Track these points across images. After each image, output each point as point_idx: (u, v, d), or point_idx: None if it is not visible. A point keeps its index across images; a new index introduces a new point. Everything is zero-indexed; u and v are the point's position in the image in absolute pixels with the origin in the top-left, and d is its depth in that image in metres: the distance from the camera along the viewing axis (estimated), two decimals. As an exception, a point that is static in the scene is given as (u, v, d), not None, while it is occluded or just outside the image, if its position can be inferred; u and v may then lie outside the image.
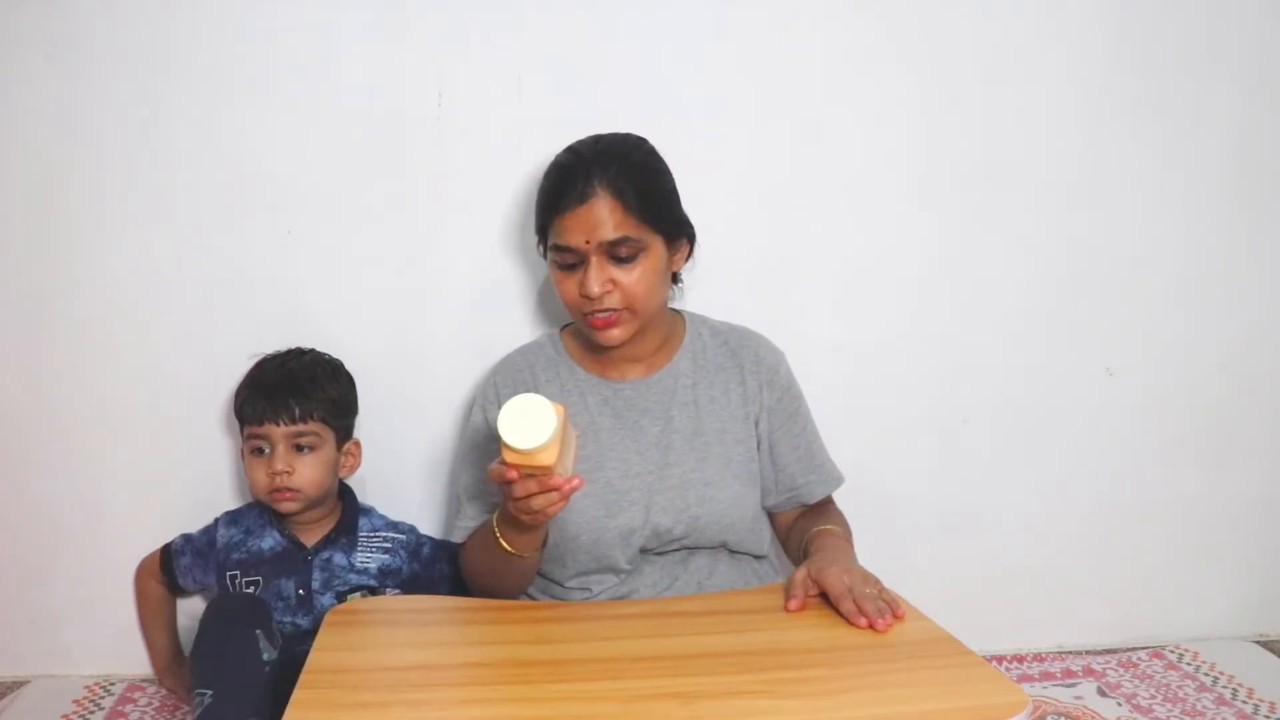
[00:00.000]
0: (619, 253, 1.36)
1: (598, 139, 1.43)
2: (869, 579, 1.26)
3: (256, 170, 1.68)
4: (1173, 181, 1.87)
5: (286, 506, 1.56)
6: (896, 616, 1.22)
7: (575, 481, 1.16)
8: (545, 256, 1.47)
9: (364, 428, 1.66)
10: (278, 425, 1.53)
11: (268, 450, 1.55)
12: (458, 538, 1.49)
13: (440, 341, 1.75)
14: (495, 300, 1.74)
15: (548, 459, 1.12)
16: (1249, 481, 1.99)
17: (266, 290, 1.71)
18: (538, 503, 1.17)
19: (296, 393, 1.55)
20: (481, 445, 1.49)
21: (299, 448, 1.55)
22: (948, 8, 1.76)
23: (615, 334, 1.40)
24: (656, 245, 1.40)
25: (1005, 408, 1.90)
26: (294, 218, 1.69)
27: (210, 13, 1.63)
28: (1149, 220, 1.87)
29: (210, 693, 1.32)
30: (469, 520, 1.47)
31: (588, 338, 1.45)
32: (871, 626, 1.19)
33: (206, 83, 1.64)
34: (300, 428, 1.54)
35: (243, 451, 1.60)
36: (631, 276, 1.37)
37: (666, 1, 1.70)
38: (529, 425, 1.10)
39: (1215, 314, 1.93)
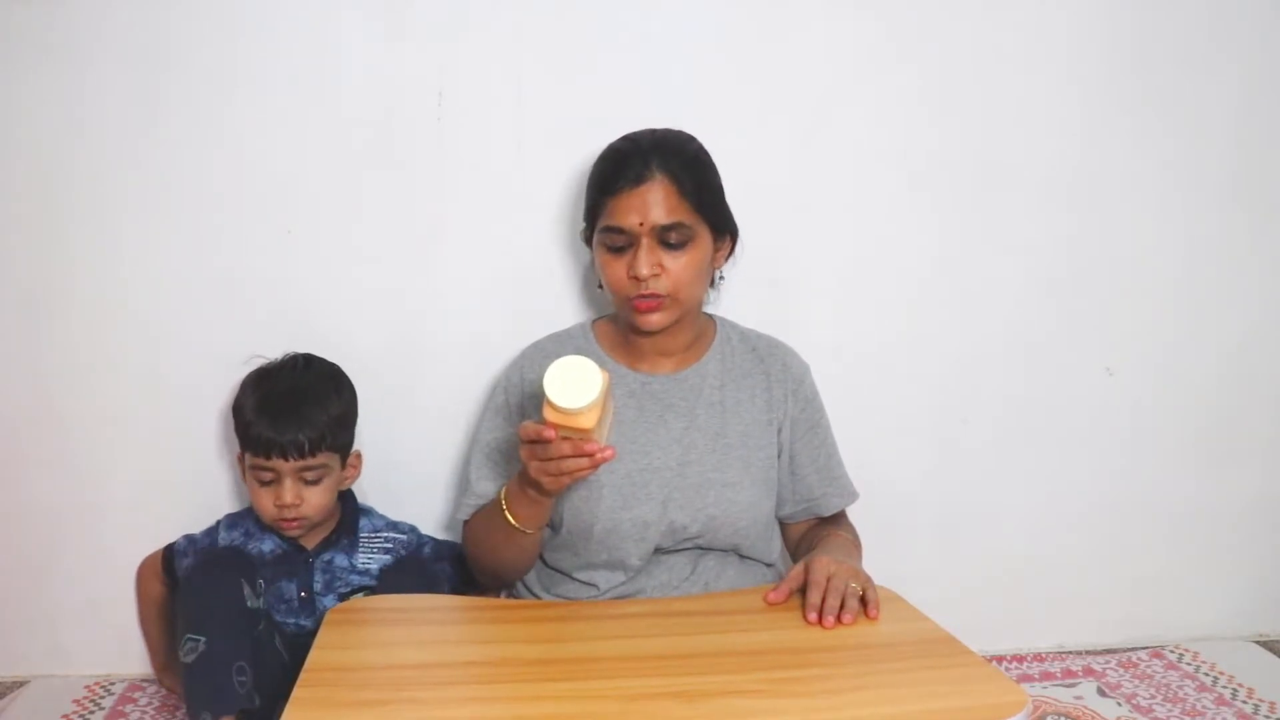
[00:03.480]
0: (670, 238, 1.38)
1: (654, 131, 1.45)
2: (857, 576, 1.26)
3: (256, 170, 1.67)
4: (1173, 181, 1.87)
5: (294, 532, 1.56)
6: (869, 616, 1.22)
7: (608, 451, 1.17)
8: (589, 242, 1.48)
9: (364, 428, 1.66)
10: (286, 461, 1.51)
11: (274, 481, 1.53)
12: (462, 514, 1.49)
13: (440, 341, 1.75)
14: (495, 300, 1.74)
15: (588, 422, 1.12)
16: (1249, 481, 1.99)
17: (266, 290, 1.70)
18: (569, 464, 1.18)
19: (304, 424, 1.51)
20: (499, 428, 1.49)
21: (307, 480, 1.54)
22: (948, 8, 1.76)
23: (656, 319, 1.41)
24: (704, 236, 1.42)
25: (1005, 408, 1.90)
26: (294, 218, 1.69)
27: (210, 13, 1.63)
28: (1149, 220, 1.88)
29: (203, 638, 1.34)
30: (475, 499, 1.48)
31: (627, 322, 1.46)
32: (819, 621, 1.20)
33: (206, 83, 1.64)
34: (309, 461, 1.52)
35: (242, 463, 1.58)
36: (679, 263, 1.39)
37: (667, 2, 1.70)
38: (575, 385, 1.11)
39: (1215, 314, 1.93)
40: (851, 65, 1.76)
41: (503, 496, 1.33)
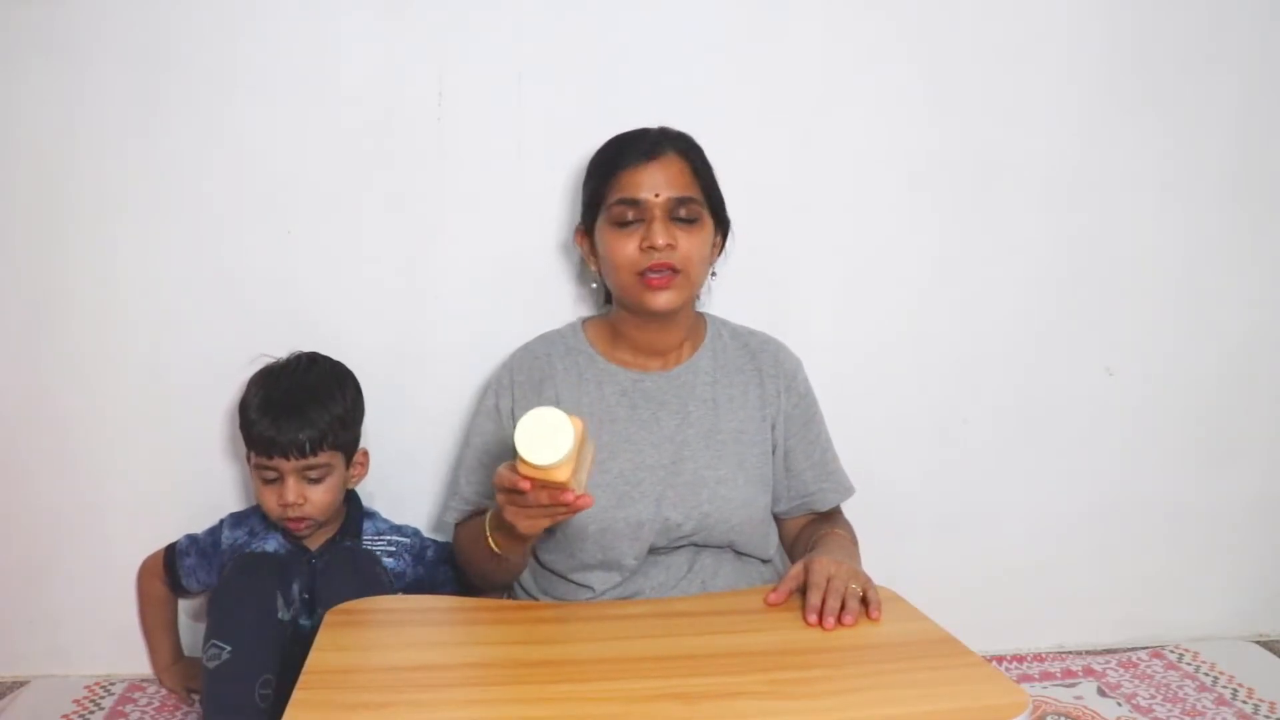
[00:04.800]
0: (682, 213, 1.40)
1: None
2: (857, 577, 1.26)
3: (256, 170, 1.67)
4: (1173, 181, 1.87)
5: (301, 531, 1.56)
6: (870, 617, 1.22)
7: (586, 499, 1.15)
8: (588, 232, 1.48)
9: (366, 428, 1.66)
10: (288, 460, 1.52)
11: (277, 479, 1.54)
12: (449, 516, 1.50)
13: (441, 341, 1.75)
14: (496, 299, 1.74)
15: (562, 475, 1.12)
16: (1249, 481, 1.99)
17: (267, 290, 1.70)
18: (545, 511, 1.17)
19: (305, 423, 1.51)
20: (489, 432, 1.49)
21: (310, 479, 1.54)
22: (948, 7, 1.76)
23: (665, 297, 1.40)
24: (708, 221, 1.45)
25: (1005, 408, 1.90)
26: (294, 218, 1.69)
27: (210, 13, 1.63)
28: (1149, 220, 1.88)
29: (229, 647, 1.33)
30: (463, 503, 1.48)
31: (633, 306, 1.44)
32: (820, 623, 1.20)
33: (206, 83, 1.64)
34: (311, 460, 1.52)
35: (249, 460, 1.59)
36: (691, 240, 1.41)
37: (667, 2, 1.70)
38: (546, 440, 1.09)
39: (1215, 314, 1.93)
40: (851, 65, 1.76)
41: (486, 522, 1.32)
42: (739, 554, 1.49)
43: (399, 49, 1.66)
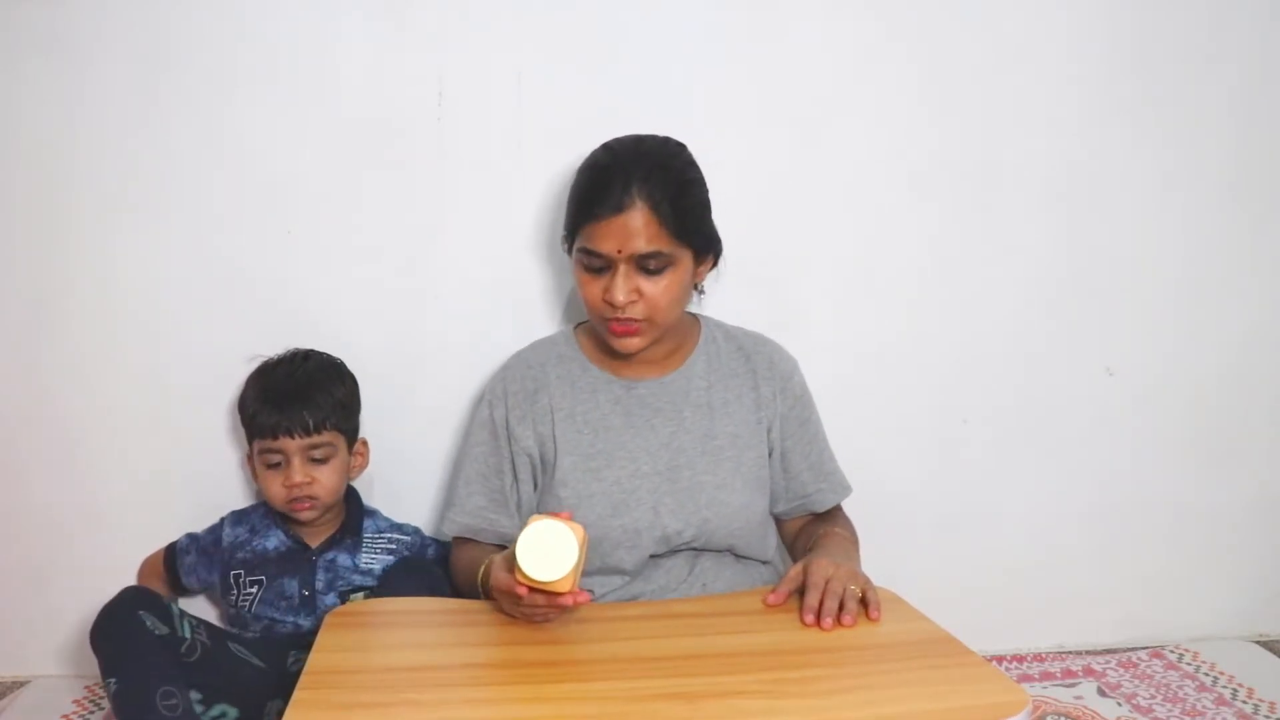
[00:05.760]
0: (648, 265, 1.36)
1: (639, 141, 1.41)
2: (856, 578, 1.26)
3: (256, 170, 1.68)
4: (1173, 181, 1.87)
5: (307, 515, 1.56)
6: (870, 618, 1.22)
7: (583, 597, 1.16)
8: (569, 252, 1.46)
9: (366, 428, 1.66)
10: (293, 438, 1.53)
11: (282, 463, 1.54)
12: (449, 529, 1.49)
13: (441, 341, 1.75)
14: (496, 299, 1.74)
15: (564, 587, 1.13)
16: (1249, 481, 1.99)
17: (267, 290, 1.71)
18: (542, 612, 1.19)
19: (308, 403, 1.54)
20: (486, 442, 1.49)
21: (315, 459, 1.55)
22: (948, 8, 1.76)
23: (633, 343, 1.40)
24: (685, 259, 1.39)
25: (1005, 408, 1.90)
26: (294, 218, 1.69)
27: (210, 13, 1.63)
28: (1149, 220, 1.88)
29: (114, 679, 1.35)
30: (465, 516, 1.48)
31: (605, 342, 1.45)
32: (817, 623, 1.20)
33: (206, 83, 1.64)
34: (315, 439, 1.54)
35: (250, 458, 1.59)
36: (657, 288, 1.36)
37: (667, 2, 1.70)
38: (550, 555, 1.11)
39: (1215, 314, 1.93)
40: (851, 65, 1.76)
41: (480, 577, 1.31)
42: (739, 557, 1.48)
43: (399, 49, 1.66)
